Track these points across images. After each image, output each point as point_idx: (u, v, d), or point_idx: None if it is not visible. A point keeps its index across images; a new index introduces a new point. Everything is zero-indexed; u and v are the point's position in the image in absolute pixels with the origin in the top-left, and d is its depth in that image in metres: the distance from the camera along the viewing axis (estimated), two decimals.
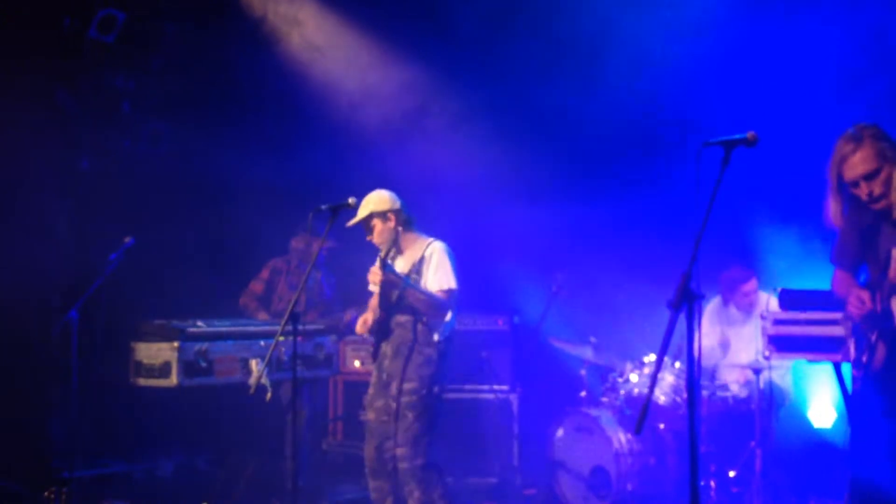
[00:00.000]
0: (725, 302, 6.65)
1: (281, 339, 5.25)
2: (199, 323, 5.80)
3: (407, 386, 5.06)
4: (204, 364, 5.51)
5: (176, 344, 5.44)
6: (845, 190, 3.75)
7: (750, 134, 3.53)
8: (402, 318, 5.15)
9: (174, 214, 7.28)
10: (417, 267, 5.18)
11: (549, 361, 7.17)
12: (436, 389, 5.13)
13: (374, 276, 4.99)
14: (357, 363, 7.53)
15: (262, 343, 5.78)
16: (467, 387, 7.03)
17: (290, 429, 5.61)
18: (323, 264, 6.99)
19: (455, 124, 7.44)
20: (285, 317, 4.72)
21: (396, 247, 5.25)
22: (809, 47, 6.12)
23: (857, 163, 3.64)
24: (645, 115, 6.88)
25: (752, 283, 6.41)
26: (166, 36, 7.37)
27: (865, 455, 3.74)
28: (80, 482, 6.49)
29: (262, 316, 6.76)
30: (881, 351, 3.63)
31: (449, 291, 5.12)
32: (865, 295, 3.69)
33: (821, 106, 5.96)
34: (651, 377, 3.52)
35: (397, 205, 5.27)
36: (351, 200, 4.94)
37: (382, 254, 5.01)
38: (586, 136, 7.17)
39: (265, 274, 6.99)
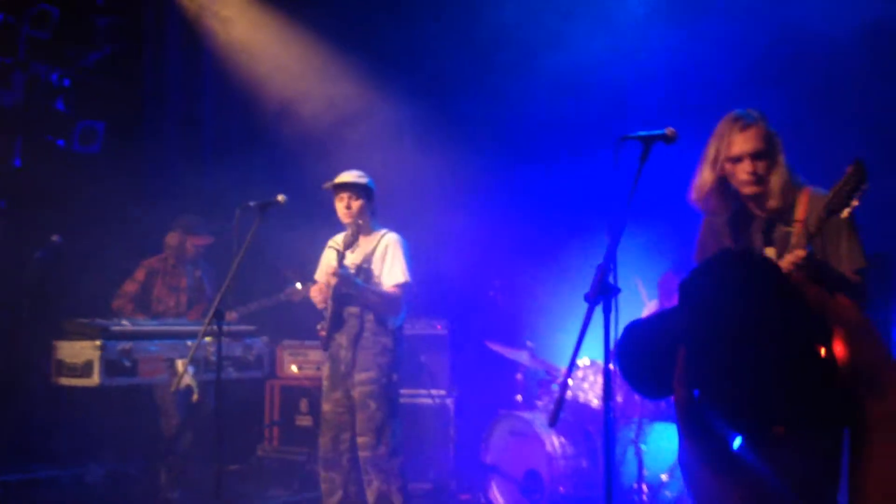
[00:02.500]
0: (662, 307, 6.66)
1: (209, 339, 5.18)
2: (124, 322, 5.68)
3: (365, 376, 5.06)
4: (128, 363, 5.37)
5: (98, 342, 5.30)
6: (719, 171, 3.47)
7: (669, 130, 3.52)
8: (354, 310, 5.12)
9: (106, 214, 7.16)
10: (370, 258, 5.17)
11: (486, 366, 7.15)
12: (395, 377, 5.15)
13: (331, 270, 5.00)
14: (294, 368, 7.43)
15: (188, 343, 5.66)
16: (404, 391, 6.92)
17: (216, 431, 5.48)
18: (202, 260, 6.66)
19: (384, 135, 7.41)
20: (209, 316, 4.62)
21: (355, 234, 5.19)
22: (735, 45, 6.16)
23: (749, 138, 3.41)
24: (573, 122, 6.92)
25: None
26: (101, 33, 7.29)
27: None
28: (4, 486, 6.34)
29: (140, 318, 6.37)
30: None
31: (403, 286, 5.13)
32: None
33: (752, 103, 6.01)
34: (567, 369, 3.50)
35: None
36: (280, 197, 4.85)
37: (342, 247, 4.99)
38: (517, 145, 7.21)
39: (140, 275, 6.49)
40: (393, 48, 7.39)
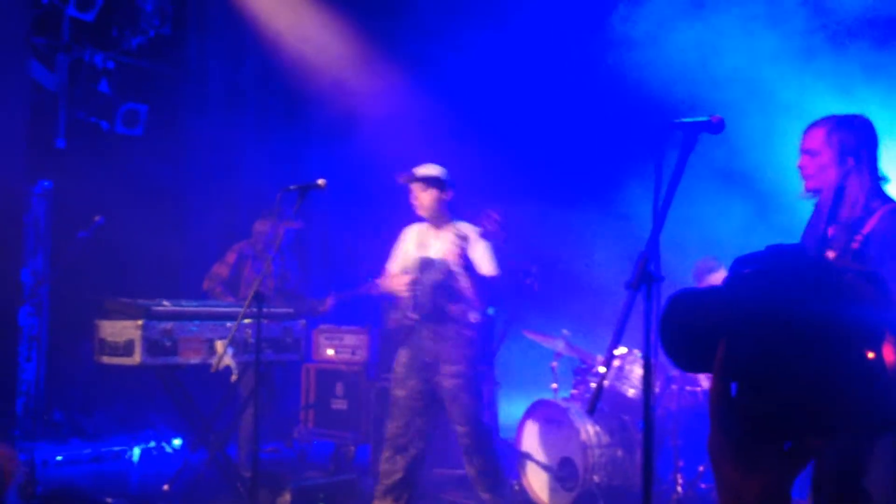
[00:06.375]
0: None
1: (247, 321, 5.22)
2: (165, 302, 5.72)
3: (455, 368, 5.18)
4: (168, 343, 5.42)
5: (140, 322, 5.35)
6: None
7: (714, 118, 3.49)
8: (441, 303, 5.23)
9: (147, 196, 7.24)
10: (451, 251, 5.21)
11: (521, 353, 7.14)
12: (480, 367, 5.36)
13: (416, 260, 5.22)
14: (330, 351, 7.47)
15: (228, 325, 5.69)
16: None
17: (253, 411, 5.54)
18: (288, 248, 6.78)
19: (420, 122, 7.38)
20: (249, 298, 4.66)
21: (436, 224, 5.32)
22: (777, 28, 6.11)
23: (807, 135, 3.53)
24: (615, 105, 6.86)
25: (719, 275, 6.36)
26: (145, 17, 7.34)
27: None
28: (44, 463, 6.45)
29: (229, 301, 6.63)
30: None
31: (494, 278, 5.25)
32: None
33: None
34: (606, 357, 3.47)
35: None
36: (321, 182, 4.86)
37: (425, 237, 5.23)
38: (552, 130, 7.16)
39: (231, 258, 6.68)
40: (430, 25, 7.36)
